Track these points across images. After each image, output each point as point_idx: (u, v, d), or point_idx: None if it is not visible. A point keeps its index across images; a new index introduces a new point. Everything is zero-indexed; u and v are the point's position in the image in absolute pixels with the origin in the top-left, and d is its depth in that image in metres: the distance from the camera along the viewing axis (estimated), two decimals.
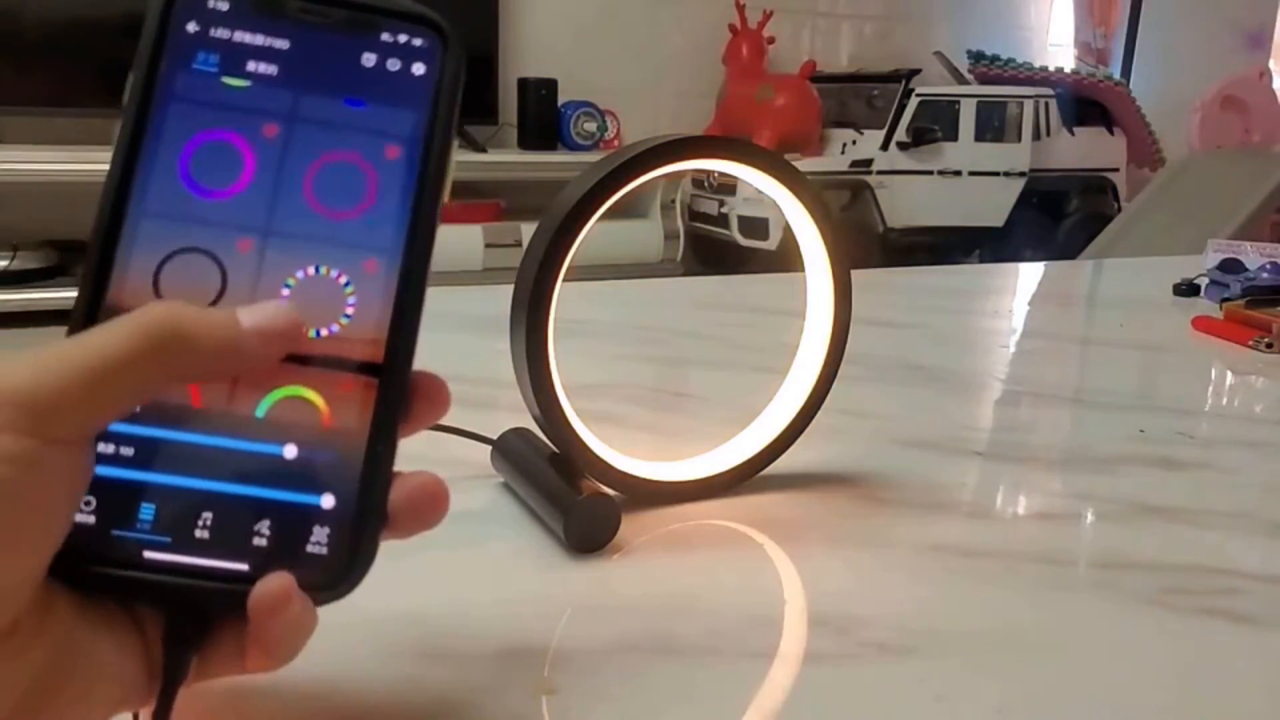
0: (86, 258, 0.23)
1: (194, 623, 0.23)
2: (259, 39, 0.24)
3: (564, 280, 0.37)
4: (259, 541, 0.23)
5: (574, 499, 0.37)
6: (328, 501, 0.23)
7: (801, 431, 0.44)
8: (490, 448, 0.43)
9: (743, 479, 0.43)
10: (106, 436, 0.22)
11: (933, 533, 0.40)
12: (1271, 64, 4.13)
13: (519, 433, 0.43)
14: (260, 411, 0.23)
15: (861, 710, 0.29)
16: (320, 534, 0.23)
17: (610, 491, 0.39)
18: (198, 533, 0.22)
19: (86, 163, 2.11)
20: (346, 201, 0.24)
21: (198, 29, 0.24)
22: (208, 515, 0.23)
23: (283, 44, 0.24)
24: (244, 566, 0.22)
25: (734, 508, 0.42)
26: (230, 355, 0.22)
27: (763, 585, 0.36)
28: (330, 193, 0.24)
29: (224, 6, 0.24)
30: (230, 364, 0.22)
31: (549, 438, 0.40)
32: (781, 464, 0.44)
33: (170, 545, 0.22)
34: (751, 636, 0.32)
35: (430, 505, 0.24)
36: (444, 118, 0.25)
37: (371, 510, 0.23)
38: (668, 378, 0.65)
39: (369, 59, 0.24)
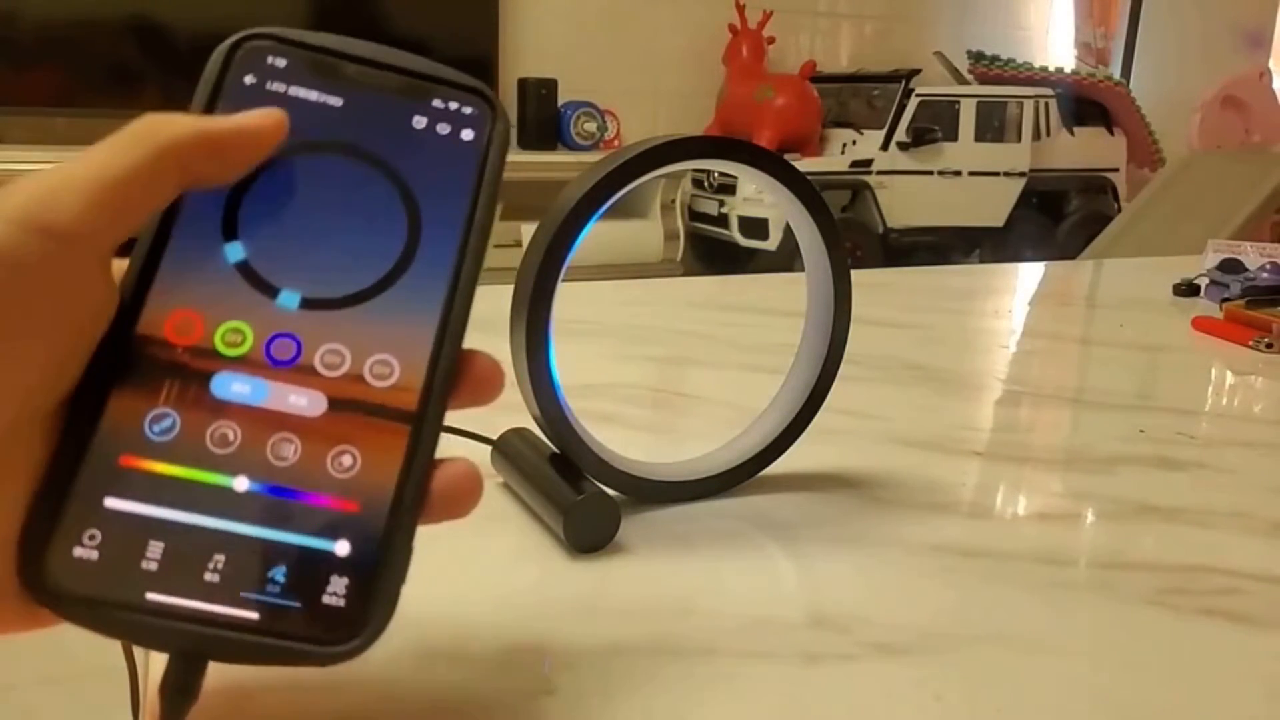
0: (126, 274, 0.23)
1: (196, 670, 0.22)
2: (313, 95, 0.25)
3: (564, 280, 0.37)
4: (272, 589, 0.22)
5: (574, 499, 0.37)
6: (346, 550, 0.22)
7: (801, 431, 0.44)
8: (490, 448, 0.43)
9: (743, 479, 0.43)
10: (119, 475, 0.22)
11: (933, 533, 0.40)
12: (1271, 64, 4.13)
13: (519, 433, 0.43)
14: (287, 455, 0.23)
15: (861, 710, 0.29)
16: (338, 584, 0.22)
17: (610, 491, 0.39)
18: (207, 576, 0.21)
19: None
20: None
21: (254, 82, 0.25)
22: (219, 558, 0.22)
23: (336, 101, 0.25)
24: (254, 615, 0.21)
25: (734, 508, 0.42)
26: (219, 142, 0.23)
27: (763, 585, 0.36)
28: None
29: (282, 63, 0.25)
30: (220, 153, 0.23)
31: (549, 438, 0.40)
32: (781, 464, 0.44)
33: (177, 588, 0.21)
34: (751, 636, 0.32)
35: (466, 494, 0.24)
36: (490, 181, 0.26)
37: (395, 562, 0.23)
38: (668, 378, 0.65)
39: (420, 122, 0.26)
